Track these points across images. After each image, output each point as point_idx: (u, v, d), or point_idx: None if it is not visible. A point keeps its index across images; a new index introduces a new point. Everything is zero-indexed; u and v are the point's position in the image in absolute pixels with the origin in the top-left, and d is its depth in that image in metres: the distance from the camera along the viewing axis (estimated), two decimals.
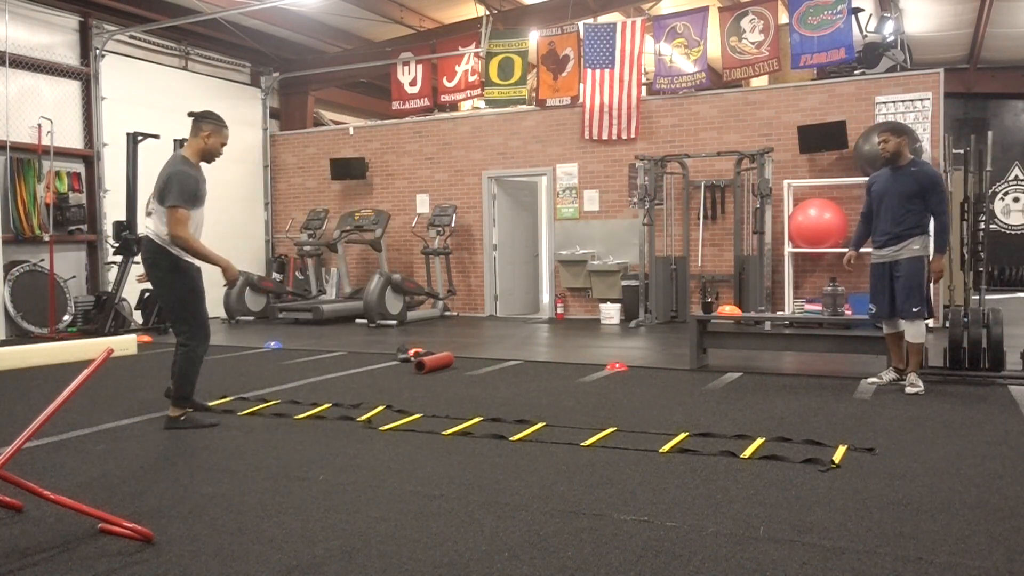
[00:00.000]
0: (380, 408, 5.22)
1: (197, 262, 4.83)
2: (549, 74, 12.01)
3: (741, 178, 10.53)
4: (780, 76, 11.33)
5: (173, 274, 4.77)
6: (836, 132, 9.92)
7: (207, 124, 4.94)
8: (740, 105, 10.89)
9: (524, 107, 12.36)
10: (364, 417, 4.98)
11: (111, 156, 11.20)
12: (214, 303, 11.98)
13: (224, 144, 5.02)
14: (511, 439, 4.38)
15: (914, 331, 5.60)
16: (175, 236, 4.65)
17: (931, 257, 5.63)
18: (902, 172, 5.61)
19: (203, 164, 4.99)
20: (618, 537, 2.91)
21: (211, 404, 5.37)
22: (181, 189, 4.65)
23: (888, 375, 5.82)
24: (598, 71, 11.59)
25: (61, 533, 3.02)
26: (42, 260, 10.30)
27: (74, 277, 10.86)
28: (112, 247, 10.56)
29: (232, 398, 5.70)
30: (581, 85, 11.75)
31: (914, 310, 5.53)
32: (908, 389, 5.54)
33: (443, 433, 4.54)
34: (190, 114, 5.01)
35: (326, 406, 5.34)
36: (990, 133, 7.51)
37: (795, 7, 10.52)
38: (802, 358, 7.27)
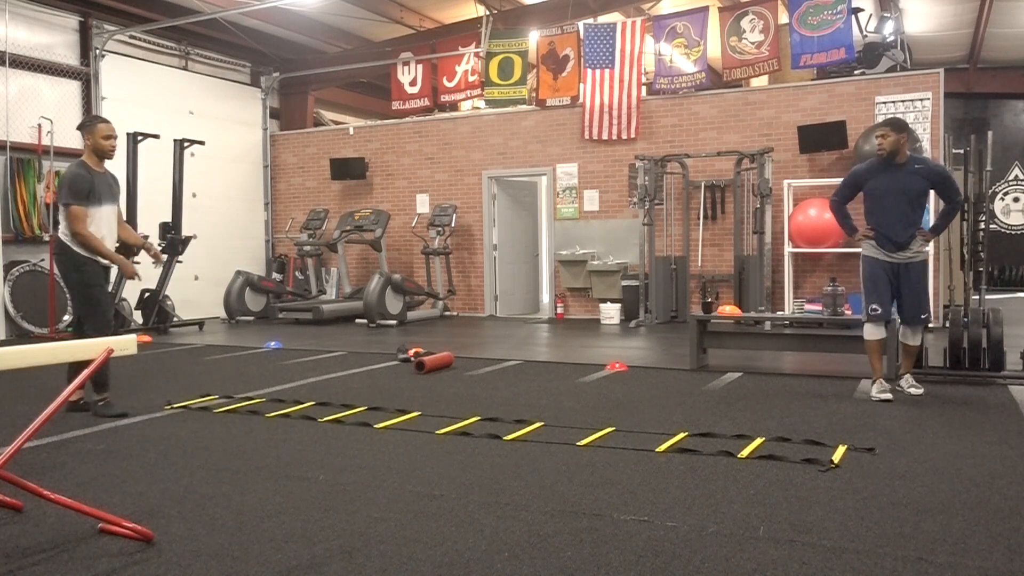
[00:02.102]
0: (363, 408, 5.23)
1: (88, 253, 5.12)
2: (549, 74, 12.01)
3: (741, 178, 10.53)
4: (780, 76, 11.33)
5: (74, 271, 5.11)
6: (836, 132, 9.92)
7: (83, 130, 5.20)
8: (740, 105, 10.89)
9: (524, 107, 12.36)
10: (342, 415, 4.98)
11: None
12: (214, 303, 12.02)
13: (105, 137, 5.16)
14: (510, 439, 4.39)
15: (917, 335, 5.57)
16: (75, 233, 5.03)
17: (928, 233, 5.53)
18: (905, 170, 5.40)
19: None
20: (618, 537, 2.91)
21: (193, 403, 5.39)
22: (69, 188, 5.03)
23: (887, 385, 5.51)
24: (598, 71, 11.59)
25: (61, 533, 3.02)
26: (42, 260, 10.30)
27: None
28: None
29: (217, 396, 5.71)
30: (581, 85, 11.75)
31: (923, 316, 5.47)
32: (913, 391, 5.50)
33: (443, 433, 4.54)
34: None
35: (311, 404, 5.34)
36: (990, 133, 7.48)
37: (795, 7, 10.52)
38: (802, 358, 7.27)
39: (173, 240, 10.59)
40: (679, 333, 9.16)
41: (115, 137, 5.23)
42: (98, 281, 5.18)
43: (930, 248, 9.36)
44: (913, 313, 5.47)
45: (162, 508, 3.31)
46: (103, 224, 5.16)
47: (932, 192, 5.59)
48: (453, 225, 12.05)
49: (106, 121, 5.21)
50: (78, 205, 5.02)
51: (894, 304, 5.55)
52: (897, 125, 5.38)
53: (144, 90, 11.84)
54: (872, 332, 5.49)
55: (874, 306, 5.44)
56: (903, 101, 9.96)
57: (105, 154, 5.16)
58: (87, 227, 5.04)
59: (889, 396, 5.37)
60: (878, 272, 5.47)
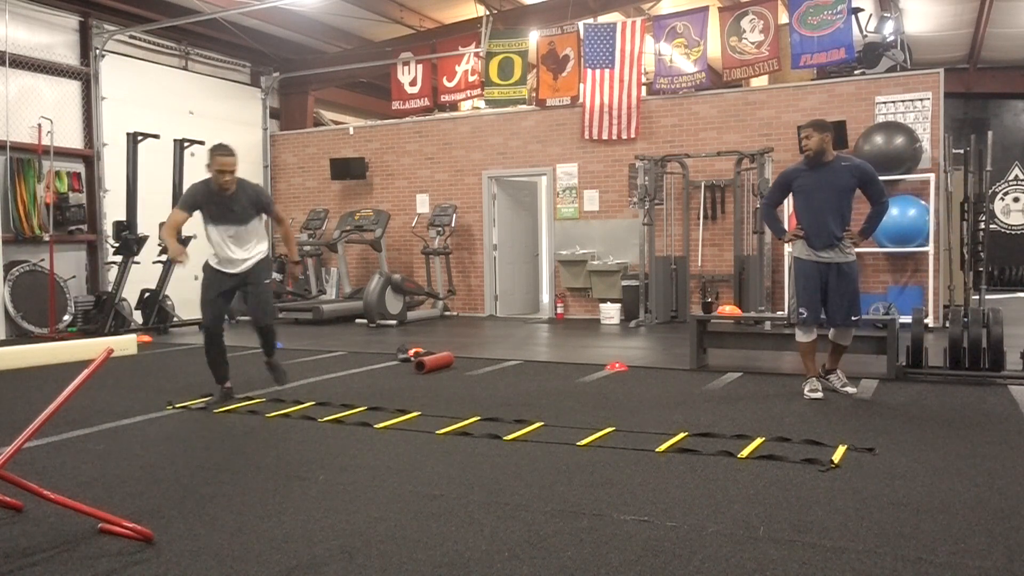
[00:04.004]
0: (363, 408, 5.23)
1: (212, 262, 5.62)
2: (549, 74, 12.01)
3: (741, 178, 10.53)
4: (780, 76, 11.33)
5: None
6: (836, 132, 9.89)
7: (208, 155, 5.41)
8: (740, 105, 10.89)
9: (524, 107, 12.36)
10: (342, 415, 4.98)
11: (111, 156, 11.20)
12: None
13: (219, 171, 5.30)
14: (510, 439, 4.39)
15: (848, 336, 5.59)
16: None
17: (857, 236, 5.47)
18: (831, 168, 5.39)
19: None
20: (618, 537, 2.91)
21: (194, 403, 5.42)
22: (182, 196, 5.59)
23: (820, 383, 5.55)
24: (598, 71, 11.58)
25: (61, 533, 3.02)
26: (42, 260, 10.30)
27: (74, 277, 10.86)
28: (112, 247, 10.56)
29: (215, 396, 5.71)
30: (581, 85, 11.75)
31: (854, 319, 5.46)
32: (849, 389, 5.51)
33: (443, 433, 4.55)
34: None
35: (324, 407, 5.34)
36: (990, 133, 7.50)
37: (795, 7, 10.52)
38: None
39: None
40: (679, 333, 9.16)
41: (229, 173, 5.31)
42: (205, 282, 5.71)
43: (930, 248, 9.41)
44: (841, 316, 5.43)
45: (162, 508, 3.31)
46: (214, 240, 5.55)
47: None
48: (453, 225, 12.05)
49: (227, 154, 5.30)
50: (176, 207, 5.60)
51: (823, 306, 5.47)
52: (820, 125, 5.41)
53: (144, 90, 11.83)
54: (803, 335, 5.56)
55: (801, 310, 5.47)
56: (903, 101, 9.96)
57: (218, 184, 5.33)
58: (168, 223, 5.59)
59: (820, 395, 5.44)
60: (809, 274, 5.45)
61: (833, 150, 5.48)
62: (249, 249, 5.59)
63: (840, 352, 5.68)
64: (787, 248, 9.99)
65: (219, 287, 5.61)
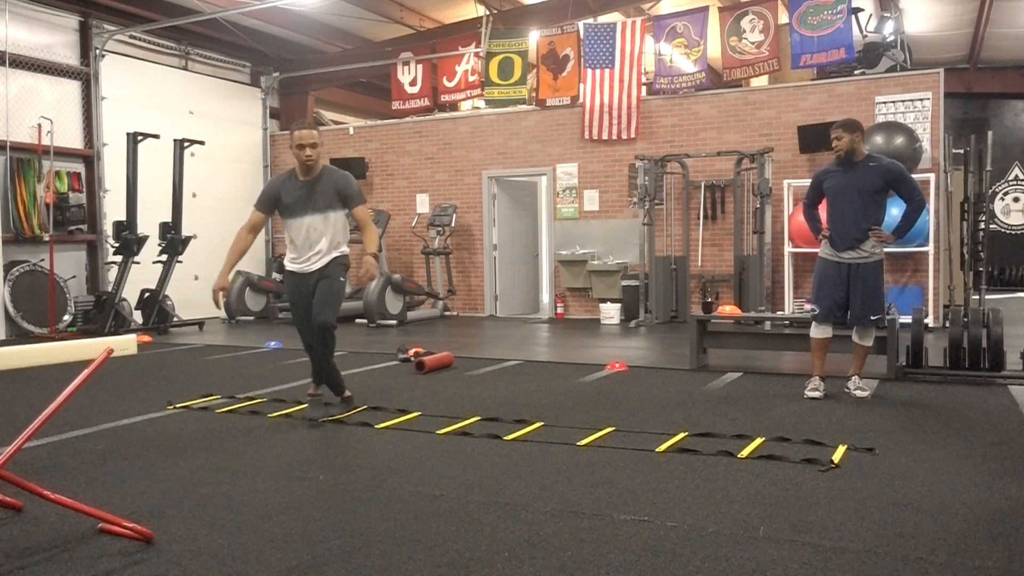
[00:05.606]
0: (362, 408, 5.23)
1: (290, 265, 5.06)
2: (549, 74, 12.00)
3: (741, 178, 10.53)
4: (780, 76, 11.33)
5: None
6: None
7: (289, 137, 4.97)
8: (740, 105, 10.89)
9: (524, 107, 12.36)
10: (342, 415, 4.98)
11: (111, 156, 11.20)
12: (213, 303, 11.98)
13: (298, 146, 4.84)
14: (510, 439, 4.39)
15: (869, 336, 5.55)
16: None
17: (888, 234, 5.40)
18: (860, 168, 5.36)
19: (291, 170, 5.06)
20: (618, 537, 2.91)
21: (194, 403, 5.40)
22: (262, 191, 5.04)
23: (822, 384, 5.53)
24: (598, 71, 11.58)
25: (61, 533, 3.02)
26: (42, 260, 10.30)
27: (74, 277, 10.86)
28: (112, 247, 10.56)
29: (218, 396, 5.71)
30: (581, 85, 11.75)
31: (873, 318, 5.44)
32: (859, 393, 5.46)
33: (443, 433, 4.55)
34: None
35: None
36: (990, 133, 7.48)
37: (795, 7, 10.52)
38: (802, 358, 7.25)
39: (173, 240, 10.59)
40: (679, 333, 9.16)
41: (309, 146, 4.81)
42: (288, 299, 5.23)
43: (930, 248, 9.42)
44: (862, 314, 5.42)
45: (162, 508, 3.31)
46: (294, 234, 5.01)
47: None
48: (453, 225, 12.05)
49: (306, 127, 4.87)
50: (254, 208, 5.10)
51: (845, 305, 5.45)
52: (849, 125, 5.37)
53: (144, 90, 11.84)
54: (816, 331, 5.59)
55: (813, 307, 5.56)
56: (903, 101, 9.96)
57: (300, 163, 4.85)
58: (246, 231, 5.12)
59: (818, 394, 5.44)
60: (827, 272, 5.48)
61: (864, 149, 5.45)
62: (329, 245, 4.94)
63: (861, 354, 5.61)
64: (786, 247, 10.03)
65: (303, 294, 4.96)
